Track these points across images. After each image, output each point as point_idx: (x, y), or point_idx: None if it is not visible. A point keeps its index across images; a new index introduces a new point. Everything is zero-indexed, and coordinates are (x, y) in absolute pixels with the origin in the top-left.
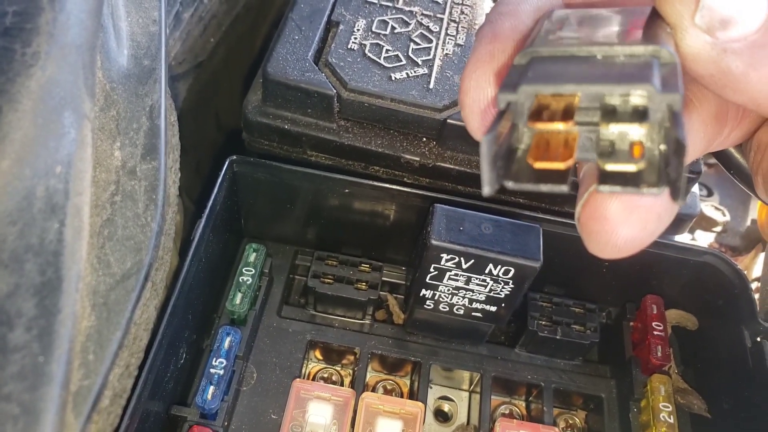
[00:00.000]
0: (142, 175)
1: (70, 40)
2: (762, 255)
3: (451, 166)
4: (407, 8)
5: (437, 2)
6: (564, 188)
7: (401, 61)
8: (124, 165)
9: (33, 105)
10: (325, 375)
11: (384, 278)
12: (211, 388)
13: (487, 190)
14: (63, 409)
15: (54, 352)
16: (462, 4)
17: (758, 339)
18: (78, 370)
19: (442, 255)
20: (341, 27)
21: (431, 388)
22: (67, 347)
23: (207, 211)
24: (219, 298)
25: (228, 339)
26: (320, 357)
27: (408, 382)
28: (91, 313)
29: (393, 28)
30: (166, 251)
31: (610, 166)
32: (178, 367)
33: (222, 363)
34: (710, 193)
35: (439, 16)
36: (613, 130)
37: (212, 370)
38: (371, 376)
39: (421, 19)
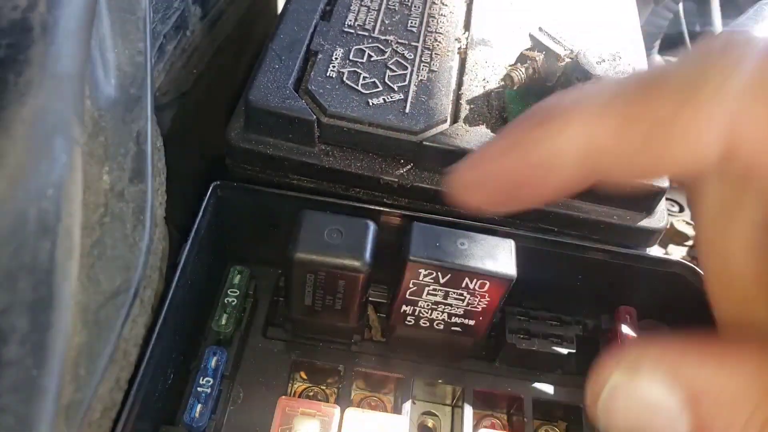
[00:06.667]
0: (130, 198)
1: (60, 70)
2: None
3: (429, 186)
4: (383, 37)
5: (411, 31)
6: None
7: (378, 87)
8: (113, 188)
9: (25, 131)
10: (311, 393)
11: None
12: (199, 406)
13: None
14: (56, 421)
15: (47, 366)
16: (435, 32)
17: None
18: (70, 384)
19: (420, 270)
20: (320, 56)
21: (415, 404)
22: (60, 361)
23: (192, 235)
24: (205, 321)
25: (214, 358)
26: (305, 377)
27: (392, 399)
28: (82, 329)
29: (369, 56)
30: (154, 270)
31: None
32: (166, 387)
33: (209, 382)
34: (681, 209)
35: (413, 44)
36: None
37: (199, 389)
38: (356, 394)
39: (397, 47)
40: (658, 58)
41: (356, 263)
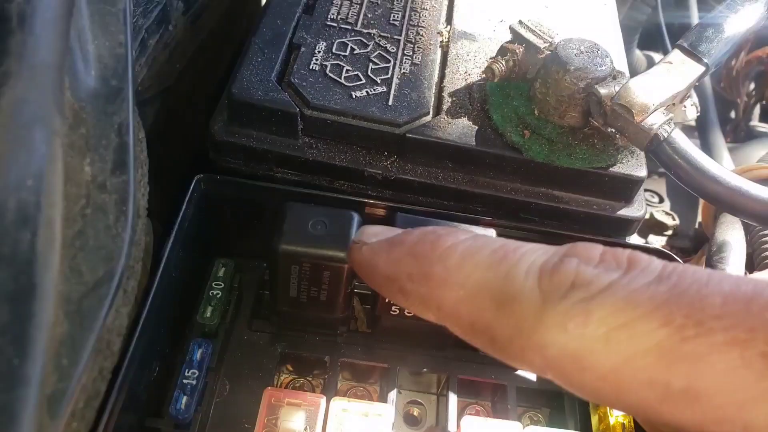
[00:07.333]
0: (112, 189)
1: (38, 60)
2: None
3: (412, 178)
4: (365, 30)
5: (394, 24)
6: None
7: (361, 80)
8: (94, 179)
9: (3, 122)
10: (297, 385)
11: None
12: (185, 398)
13: None
14: (39, 411)
15: (28, 356)
16: (417, 26)
17: None
18: (52, 373)
19: None
20: (303, 49)
21: (400, 393)
22: (41, 351)
23: (176, 227)
24: (191, 314)
25: (200, 350)
26: (291, 368)
27: (378, 389)
28: (64, 319)
29: (352, 49)
30: (137, 260)
31: None
32: (152, 379)
33: (195, 373)
34: (661, 200)
35: (395, 37)
36: None
37: (185, 381)
38: (342, 384)
39: (379, 40)
40: (638, 53)
41: (340, 254)
